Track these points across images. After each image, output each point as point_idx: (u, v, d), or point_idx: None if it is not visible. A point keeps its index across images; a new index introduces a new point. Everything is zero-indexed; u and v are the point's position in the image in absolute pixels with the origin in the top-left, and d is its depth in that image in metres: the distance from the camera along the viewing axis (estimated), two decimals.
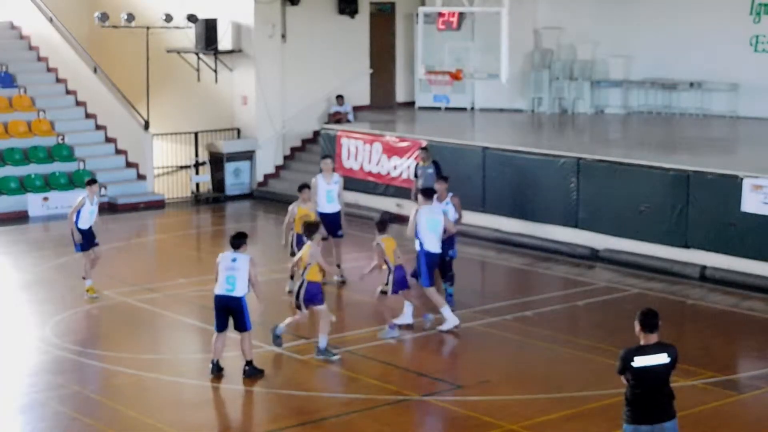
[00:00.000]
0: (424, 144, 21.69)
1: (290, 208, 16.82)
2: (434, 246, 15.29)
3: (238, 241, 13.10)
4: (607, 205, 19.43)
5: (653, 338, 8.81)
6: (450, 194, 16.21)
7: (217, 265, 13.04)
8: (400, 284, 14.63)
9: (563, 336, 14.90)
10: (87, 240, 16.90)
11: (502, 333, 15.10)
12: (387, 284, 14.56)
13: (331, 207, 17.46)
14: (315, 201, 17.33)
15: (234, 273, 12.88)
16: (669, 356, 8.81)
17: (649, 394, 8.77)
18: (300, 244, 16.48)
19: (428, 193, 15.68)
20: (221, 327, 13.11)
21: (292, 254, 16.34)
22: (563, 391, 12.60)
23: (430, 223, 15.26)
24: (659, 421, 8.80)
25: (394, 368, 13.70)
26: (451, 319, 15.13)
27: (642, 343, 8.81)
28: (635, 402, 8.78)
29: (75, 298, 17.07)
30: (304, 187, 17.00)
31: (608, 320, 15.90)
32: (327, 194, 17.47)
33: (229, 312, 13.01)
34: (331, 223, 17.29)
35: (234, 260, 12.96)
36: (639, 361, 8.70)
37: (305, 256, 13.70)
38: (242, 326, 13.05)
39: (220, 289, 12.96)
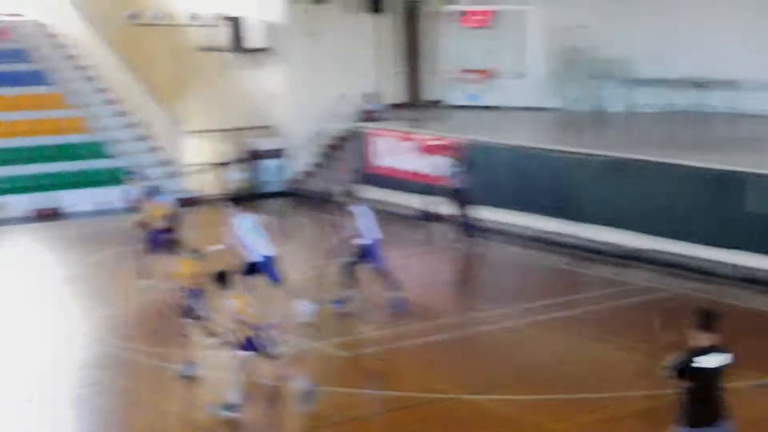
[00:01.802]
0: (457, 143, 21.68)
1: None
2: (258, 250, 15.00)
3: None
4: (647, 205, 19.30)
5: (714, 338, 8.78)
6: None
7: None
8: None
9: (601, 335, 14.81)
10: None
11: (539, 332, 15.05)
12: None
13: None
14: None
15: None
16: (729, 355, 8.79)
17: (713, 395, 8.74)
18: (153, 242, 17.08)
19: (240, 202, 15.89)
20: None
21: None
22: (597, 391, 12.50)
23: (245, 229, 15.08)
24: (721, 420, 8.77)
25: (426, 369, 13.68)
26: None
27: (705, 344, 8.76)
28: (699, 404, 8.67)
29: (118, 293, 17.17)
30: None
31: (646, 321, 15.77)
32: None
33: None
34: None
35: None
36: (706, 362, 8.66)
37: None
38: None
39: None
